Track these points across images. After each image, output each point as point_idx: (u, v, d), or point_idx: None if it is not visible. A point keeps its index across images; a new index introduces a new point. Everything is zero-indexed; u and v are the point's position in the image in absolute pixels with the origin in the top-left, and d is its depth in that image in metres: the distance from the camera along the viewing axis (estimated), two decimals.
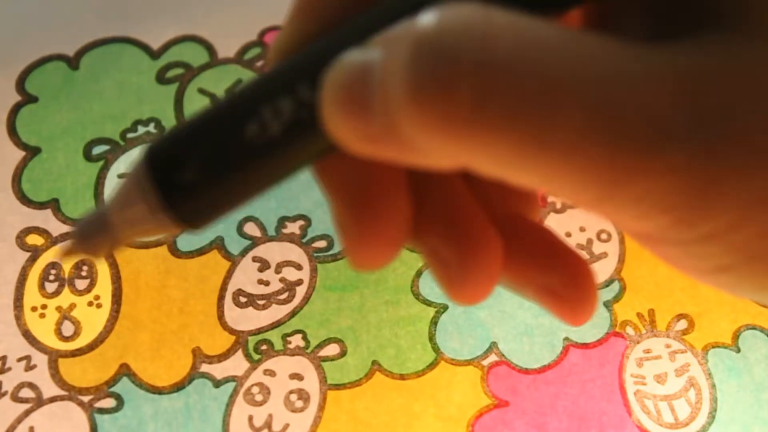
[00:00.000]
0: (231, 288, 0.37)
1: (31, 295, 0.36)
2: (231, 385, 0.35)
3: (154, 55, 0.42)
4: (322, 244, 0.38)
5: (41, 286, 0.37)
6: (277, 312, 0.37)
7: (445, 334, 0.36)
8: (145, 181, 0.15)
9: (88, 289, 0.37)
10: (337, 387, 0.35)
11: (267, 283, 0.37)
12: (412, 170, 0.17)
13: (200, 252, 0.38)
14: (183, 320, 0.36)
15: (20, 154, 0.39)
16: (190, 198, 0.15)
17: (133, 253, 0.38)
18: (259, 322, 0.36)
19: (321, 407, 0.35)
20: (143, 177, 0.16)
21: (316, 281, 0.37)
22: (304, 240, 0.38)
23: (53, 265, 0.37)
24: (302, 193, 0.39)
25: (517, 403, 0.35)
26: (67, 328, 0.36)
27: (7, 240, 0.37)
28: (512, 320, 0.37)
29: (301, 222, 0.38)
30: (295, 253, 0.38)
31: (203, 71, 0.41)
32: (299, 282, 0.37)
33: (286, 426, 0.34)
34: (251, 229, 0.38)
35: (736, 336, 0.37)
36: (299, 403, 0.35)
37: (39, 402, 0.35)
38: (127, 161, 0.39)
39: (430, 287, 0.37)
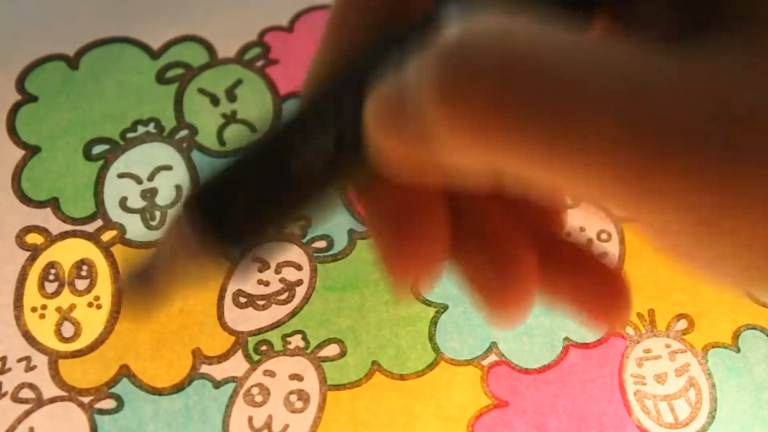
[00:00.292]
0: (231, 288, 0.37)
1: (31, 295, 0.36)
2: (231, 386, 0.35)
3: (154, 55, 0.42)
4: (321, 244, 0.38)
5: (41, 286, 0.37)
6: (276, 312, 0.37)
7: (445, 334, 0.36)
8: (194, 225, 0.16)
9: (88, 290, 0.37)
10: (337, 387, 0.35)
11: (267, 284, 0.37)
12: (447, 194, 0.18)
13: None
14: (183, 321, 0.36)
15: (20, 153, 0.39)
16: (237, 238, 0.16)
17: (133, 253, 0.38)
18: (259, 323, 0.36)
19: (321, 408, 0.35)
20: (193, 222, 0.16)
21: (315, 281, 0.37)
22: (304, 240, 0.38)
23: (52, 264, 0.37)
24: None
25: (517, 403, 0.35)
26: (67, 329, 0.36)
27: (7, 239, 0.37)
28: None
29: (301, 222, 0.38)
30: (295, 254, 0.38)
31: (203, 71, 0.41)
32: (299, 282, 0.37)
33: (286, 426, 0.34)
34: None
35: (736, 336, 0.37)
36: (299, 404, 0.35)
37: (39, 403, 0.35)
38: (127, 161, 0.39)
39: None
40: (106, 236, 0.38)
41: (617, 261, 0.38)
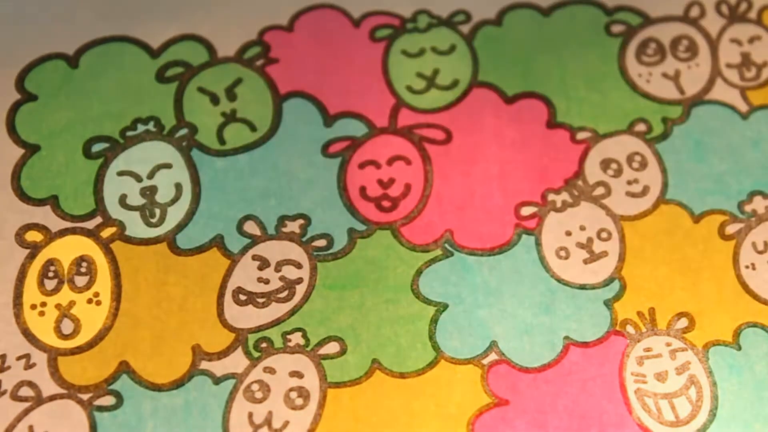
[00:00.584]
0: (231, 286, 0.37)
1: (31, 293, 0.36)
2: (231, 383, 0.35)
3: (154, 53, 0.42)
4: (321, 242, 0.38)
5: (40, 283, 0.36)
6: (276, 310, 0.37)
7: (445, 333, 0.36)
8: None
9: (88, 286, 0.37)
10: (337, 385, 0.35)
11: (267, 281, 0.37)
12: None
13: (200, 250, 0.38)
14: (183, 317, 0.36)
15: (19, 151, 0.39)
16: None
17: (132, 249, 0.38)
18: (259, 320, 0.36)
19: (321, 405, 0.35)
20: None
21: (315, 279, 0.37)
22: (303, 239, 0.38)
23: (52, 261, 0.37)
24: (302, 193, 0.39)
25: (518, 401, 0.35)
26: (67, 326, 0.36)
27: (7, 237, 0.37)
28: (512, 319, 0.37)
29: (300, 221, 0.38)
30: (295, 252, 0.38)
31: (203, 70, 0.41)
32: (299, 280, 0.37)
33: (286, 423, 0.34)
34: (251, 227, 0.38)
35: (737, 334, 0.37)
36: (299, 401, 0.35)
37: (38, 400, 0.35)
38: (127, 159, 0.39)
39: (431, 286, 0.37)
40: (106, 233, 0.38)
41: (617, 260, 0.38)
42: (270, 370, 0.35)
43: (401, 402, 0.35)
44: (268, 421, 0.34)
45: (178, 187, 0.39)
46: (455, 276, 0.38)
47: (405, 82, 0.42)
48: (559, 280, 0.38)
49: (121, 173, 0.39)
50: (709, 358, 0.36)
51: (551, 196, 0.39)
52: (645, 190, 0.40)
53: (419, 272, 0.38)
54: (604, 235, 0.39)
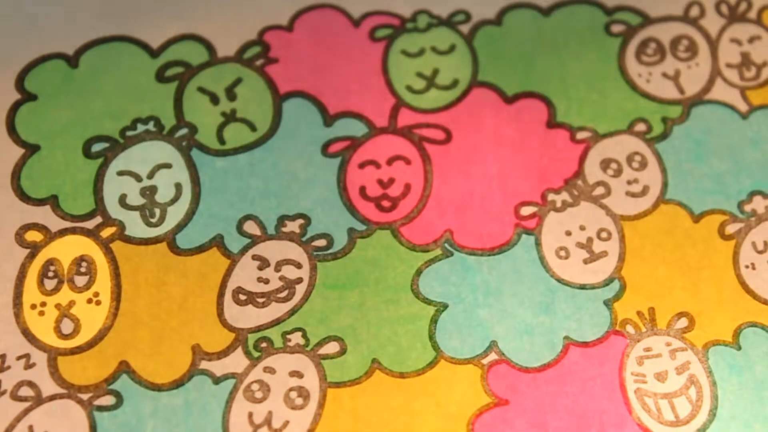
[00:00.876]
0: (231, 286, 0.37)
1: (30, 292, 0.36)
2: (231, 382, 0.35)
3: (154, 53, 0.42)
4: (321, 242, 0.38)
5: (40, 283, 0.36)
6: (276, 310, 0.37)
7: (445, 333, 0.36)
8: None
9: (88, 286, 0.37)
10: (337, 385, 0.35)
11: (267, 281, 0.37)
12: None
13: (200, 249, 0.38)
14: (183, 317, 0.36)
15: (19, 151, 0.39)
16: None
17: (132, 249, 0.38)
18: (259, 320, 0.36)
19: (321, 405, 0.35)
20: None
21: (315, 279, 0.37)
22: (303, 238, 0.38)
23: (52, 261, 0.37)
24: (302, 192, 0.39)
25: (517, 401, 0.35)
26: (67, 326, 0.36)
27: (6, 237, 0.37)
28: (512, 319, 0.37)
29: (300, 221, 0.38)
30: (295, 252, 0.38)
31: (203, 70, 0.41)
32: (299, 280, 0.37)
33: (286, 423, 0.34)
34: (251, 227, 0.38)
35: (737, 334, 0.36)
36: (299, 401, 0.35)
37: (38, 400, 0.35)
38: (126, 158, 0.39)
39: (430, 286, 0.37)
40: (106, 232, 0.38)
41: (617, 260, 0.38)
42: (270, 370, 0.35)
43: (401, 402, 0.35)
44: (268, 421, 0.34)
45: (178, 187, 0.39)
46: (455, 276, 0.38)
47: (405, 81, 0.42)
48: (559, 280, 0.38)
49: (121, 173, 0.39)
50: (709, 358, 0.36)
51: (551, 196, 0.39)
52: (645, 190, 0.40)
53: (419, 272, 0.38)
54: (603, 235, 0.39)
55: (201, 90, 0.41)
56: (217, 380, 0.35)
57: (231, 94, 0.41)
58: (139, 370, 0.35)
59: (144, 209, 0.38)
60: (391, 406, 0.35)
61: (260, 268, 0.37)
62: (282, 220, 0.38)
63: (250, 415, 0.35)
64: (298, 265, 0.37)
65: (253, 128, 0.40)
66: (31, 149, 0.39)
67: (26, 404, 0.35)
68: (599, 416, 0.35)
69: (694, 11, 0.44)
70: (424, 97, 0.42)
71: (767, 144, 0.41)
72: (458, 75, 0.42)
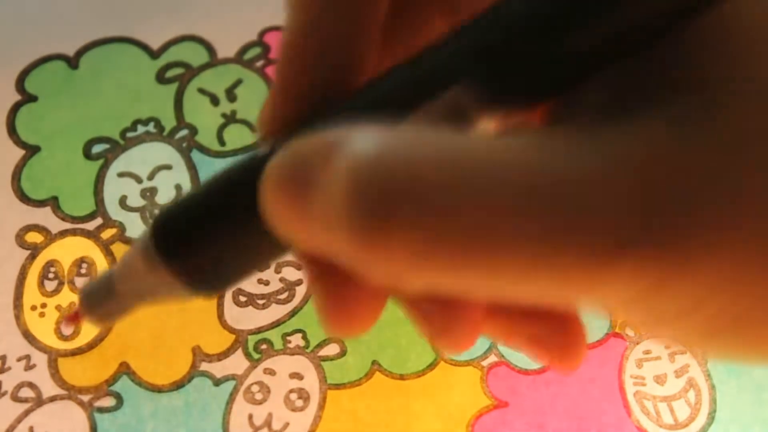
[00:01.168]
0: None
1: (31, 294, 0.36)
2: (231, 384, 0.35)
3: (154, 54, 0.42)
4: None
5: (41, 284, 0.36)
6: (276, 311, 0.37)
7: None
8: (152, 251, 0.16)
9: None
10: (337, 386, 0.35)
11: (267, 283, 0.37)
12: None
13: None
14: (183, 319, 0.36)
15: (20, 152, 0.39)
16: (197, 265, 0.16)
17: None
18: (259, 322, 0.36)
19: (321, 406, 0.35)
20: (151, 249, 0.16)
21: None
22: None
23: (52, 263, 0.37)
24: None
25: (517, 403, 0.35)
26: (67, 327, 0.36)
27: (7, 238, 0.37)
28: None
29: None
30: None
31: (203, 71, 0.41)
32: (299, 282, 0.37)
33: (286, 425, 0.34)
34: None
35: None
36: (299, 402, 0.35)
37: (39, 401, 0.35)
38: (127, 160, 0.39)
39: None
40: (106, 234, 0.38)
41: None
42: (270, 372, 0.35)
43: (401, 404, 0.35)
44: (268, 423, 0.34)
45: (179, 188, 0.39)
46: None
47: None
48: None
49: (121, 174, 0.39)
50: (708, 361, 0.36)
51: None
52: None
53: None
54: None
55: (201, 91, 0.41)
56: (217, 382, 0.35)
57: (231, 96, 0.41)
58: (140, 371, 0.35)
59: (144, 210, 0.38)
60: (391, 408, 0.35)
61: (260, 270, 0.37)
62: None
63: (251, 416, 0.35)
64: (298, 267, 0.37)
65: (253, 129, 0.40)
66: (32, 150, 0.39)
67: (27, 405, 0.35)
68: (598, 418, 0.35)
69: None
70: None
71: None
72: None
